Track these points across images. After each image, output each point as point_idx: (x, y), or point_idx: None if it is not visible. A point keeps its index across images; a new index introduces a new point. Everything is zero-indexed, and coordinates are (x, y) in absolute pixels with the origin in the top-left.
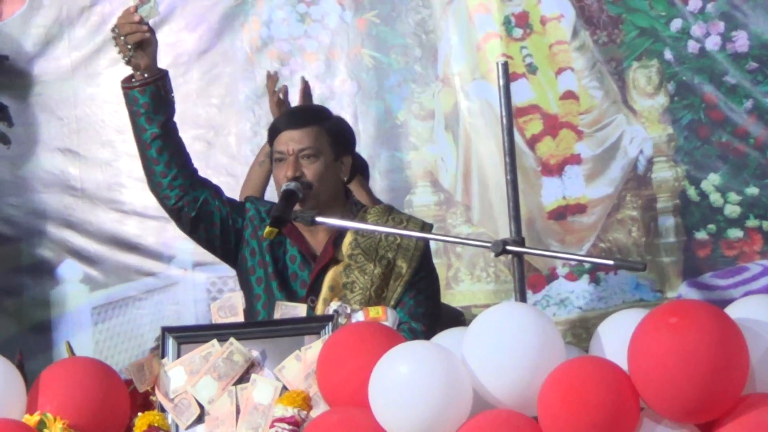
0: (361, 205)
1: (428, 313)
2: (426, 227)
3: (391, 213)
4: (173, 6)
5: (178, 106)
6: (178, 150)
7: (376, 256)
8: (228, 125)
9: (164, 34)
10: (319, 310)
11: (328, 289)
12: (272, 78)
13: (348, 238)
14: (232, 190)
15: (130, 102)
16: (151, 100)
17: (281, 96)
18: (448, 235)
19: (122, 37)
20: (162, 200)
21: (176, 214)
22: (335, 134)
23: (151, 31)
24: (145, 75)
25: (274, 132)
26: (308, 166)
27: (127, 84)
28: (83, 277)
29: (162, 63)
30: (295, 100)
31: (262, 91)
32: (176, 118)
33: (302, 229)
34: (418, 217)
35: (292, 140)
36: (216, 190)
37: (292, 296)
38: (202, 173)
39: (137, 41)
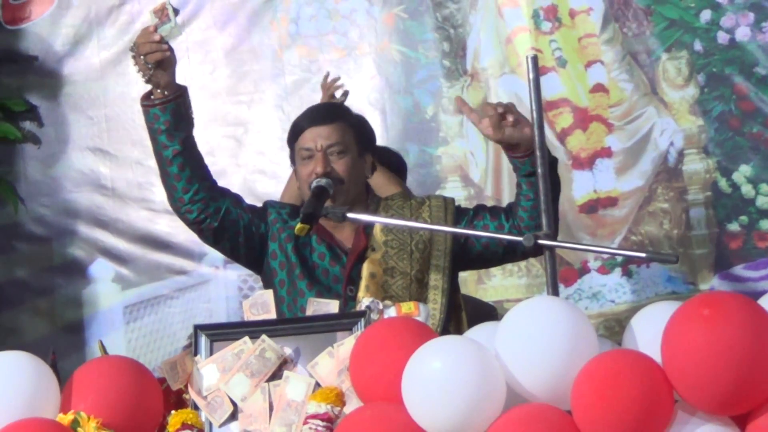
0: (377, 197)
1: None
2: (448, 201)
3: (410, 197)
4: (201, 4)
5: (208, 103)
6: (198, 165)
7: (411, 240)
8: (257, 122)
9: (193, 31)
10: (361, 297)
11: (369, 277)
12: (328, 81)
13: (378, 226)
14: (262, 187)
15: (151, 119)
16: (172, 117)
17: (337, 96)
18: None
19: (142, 57)
20: (183, 215)
21: (198, 227)
22: (359, 131)
23: (171, 49)
24: (166, 93)
25: (297, 130)
26: (337, 162)
27: (147, 101)
28: (115, 276)
29: (191, 61)
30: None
31: (291, 87)
32: (206, 116)
33: (328, 225)
34: (436, 195)
35: (319, 136)
36: (236, 199)
37: (324, 294)
38: (231, 170)
39: (157, 60)
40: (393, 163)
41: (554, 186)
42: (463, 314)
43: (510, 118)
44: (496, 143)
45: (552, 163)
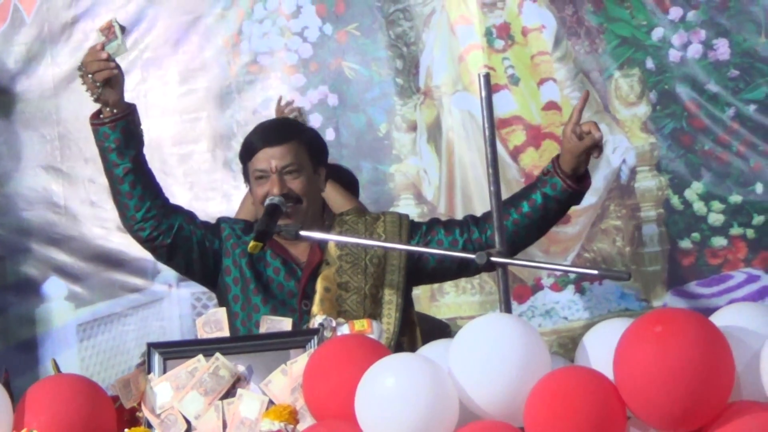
0: (333, 213)
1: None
2: (403, 217)
3: (365, 213)
4: (154, 21)
5: (160, 120)
6: (150, 183)
7: (366, 255)
8: (209, 140)
9: (146, 49)
10: (316, 312)
11: (323, 291)
12: (282, 104)
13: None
14: (214, 206)
15: (101, 138)
16: (122, 135)
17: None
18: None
19: (90, 75)
20: (136, 233)
21: (151, 244)
22: (312, 147)
23: (118, 67)
24: (115, 111)
25: (250, 150)
26: (293, 182)
27: (96, 120)
28: (68, 294)
29: (144, 78)
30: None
31: (243, 105)
32: (158, 133)
33: (282, 240)
34: (391, 211)
35: (273, 157)
36: (189, 215)
37: (278, 309)
38: (183, 189)
39: (105, 78)
40: (345, 179)
41: (558, 215)
42: (417, 330)
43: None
44: (565, 151)
45: (576, 196)
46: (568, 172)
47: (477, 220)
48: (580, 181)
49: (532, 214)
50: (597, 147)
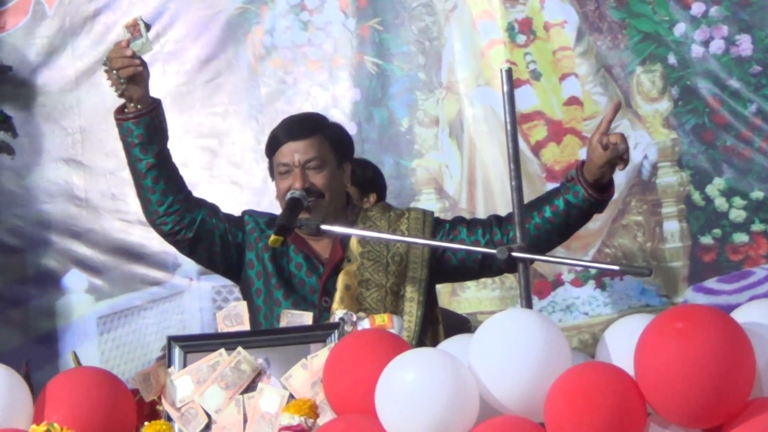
0: (357, 207)
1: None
2: (427, 214)
3: (390, 209)
4: (176, 15)
5: (182, 115)
6: (173, 177)
7: (388, 253)
8: (232, 134)
9: (167, 43)
10: (336, 309)
11: (344, 288)
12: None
13: (355, 237)
14: (236, 199)
15: (125, 133)
16: (146, 130)
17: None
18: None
19: (114, 71)
20: (158, 227)
21: (173, 238)
22: (336, 142)
23: (144, 64)
24: (139, 106)
25: (275, 144)
26: (315, 176)
27: (120, 115)
28: (88, 287)
29: (165, 72)
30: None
31: (266, 99)
32: (180, 127)
33: (305, 235)
34: (416, 207)
35: (296, 152)
36: (213, 209)
37: (299, 304)
38: (206, 182)
39: (130, 75)
40: (367, 175)
41: (580, 221)
42: (441, 328)
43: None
44: (589, 161)
45: (598, 205)
46: (590, 181)
47: (501, 221)
48: (603, 191)
49: (554, 219)
50: (622, 160)
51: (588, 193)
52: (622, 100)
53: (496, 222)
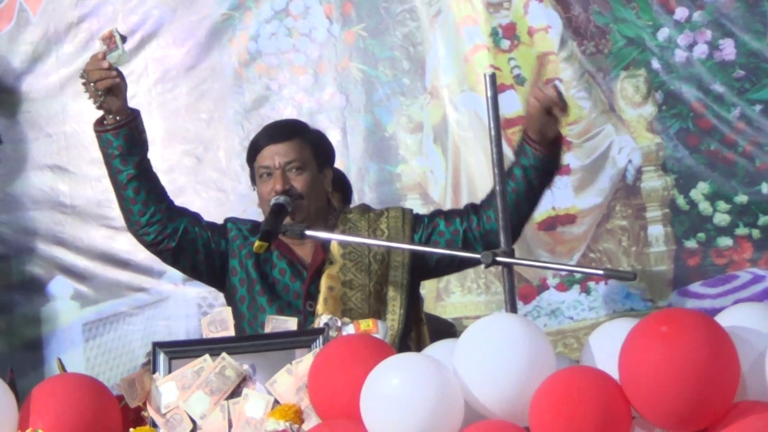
0: (338, 212)
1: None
2: (406, 212)
3: (369, 210)
4: (161, 21)
5: (167, 121)
6: (154, 187)
7: (369, 253)
8: (217, 140)
9: (152, 49)
10: (320, 312)
11: (327, 290)
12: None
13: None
14: (222, 205)
15: (104, 144)
16: (125, 141)
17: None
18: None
19: (92, 84)
20: (141, 237)
21: (156, 248)
22: (317, 146)
23: (121, 75)
24: (118, 118)
25: (255, 149)
26: (296, 178)
27: (99, 127)
28: (74, 293)
29: (150, 78)
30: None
31: (251, 105)
32: (165, 133)
33: (288, 241)
34: (395, 206)
35: (277, 154)
36: (195, 218)
37: (284, 310)
38: (191, 188)
39: (107, 87)
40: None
41: (542, 184)
42: (425, 328)
43: (556, 113)
44: (528, 117)
45: (550, 160)
46: (534, 137)
47: (476, 208)
48: (553, 146)
49: (517, 188)
50: (556, 104)
51: (536, 149)
52: (606, 105)
53: (473, 209)
